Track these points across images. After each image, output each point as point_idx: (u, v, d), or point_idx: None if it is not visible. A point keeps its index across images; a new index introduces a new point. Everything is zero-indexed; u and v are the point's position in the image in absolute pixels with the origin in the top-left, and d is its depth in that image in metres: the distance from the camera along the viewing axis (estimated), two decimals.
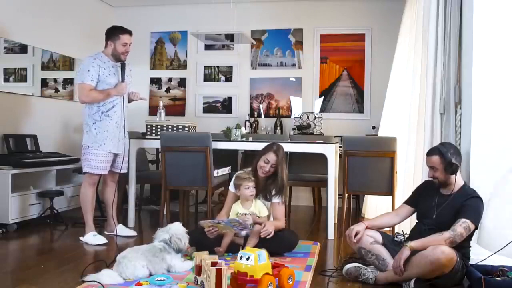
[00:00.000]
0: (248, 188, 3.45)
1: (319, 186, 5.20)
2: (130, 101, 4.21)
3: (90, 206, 3.96)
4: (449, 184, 2.92)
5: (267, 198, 3.57)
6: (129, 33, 3.95)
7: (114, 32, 3.92)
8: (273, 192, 3.56)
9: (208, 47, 6.50)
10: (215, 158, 4.31)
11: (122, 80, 3.91)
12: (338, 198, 4.57)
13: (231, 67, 6.51)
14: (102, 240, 3.86)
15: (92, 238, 3.86)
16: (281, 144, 3.70)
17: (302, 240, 3.86)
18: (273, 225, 3.37)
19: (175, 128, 4.67)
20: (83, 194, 3.97)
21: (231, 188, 3.71)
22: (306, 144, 4.47)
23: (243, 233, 3.40)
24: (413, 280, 2.70)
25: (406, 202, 3.20)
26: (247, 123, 6.16)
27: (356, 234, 2.97)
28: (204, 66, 6.58)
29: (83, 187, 3.97)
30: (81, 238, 3.92)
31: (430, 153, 2.94)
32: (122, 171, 4.09)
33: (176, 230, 3.14)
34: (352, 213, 4.93)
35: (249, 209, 3.48)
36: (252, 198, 3.49)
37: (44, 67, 5.44)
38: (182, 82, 6.63)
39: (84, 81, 3.82)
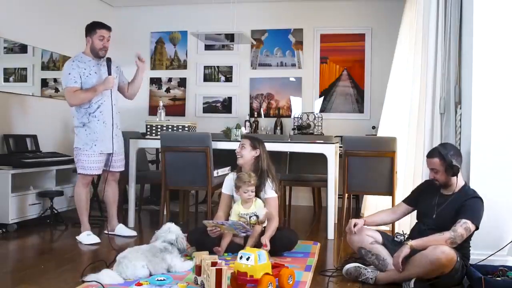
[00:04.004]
0: (246, 192, 3.44)
1: (319, 186, 5.20)
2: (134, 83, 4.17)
3: (84, 206, 3.98)
4: (450, 185, 2.92)
5: (261, 194, 3.58)
6: (107, 28, 3.94)
7: (91, 27, 3.92)
8: (262, 187, 3.57)
9: (208, 47, 6.50)
10: (215, 158, 4.31)
11: (109, 74, 3.90)
12: (338, 198, 4.57)
13: (231, 67, 6.51)
14: (94, 239, 3.86)
15: (86, 238, 3.87)
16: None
17: (302, 240, 3.86)
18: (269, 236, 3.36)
19: (175, 128, 4.67)
20: (77, 194, 3.99)
21: (225, 190, 3.72)
22: (306, 144, 4.47)
23: (243, 234, 3.40)
24: (413, 280, 2.70)
25: (405, 201, 3.21)
26: (247, 123, 6.16)
27: (355, 225, 2.99)
28: (204, 66, 6.58)
29: (77, 187, 3.99)
30: (77, 237, 3.93)
31: (430, 155, 2.92)
32: (116, 169, 4.07)
33: (178, 230, 3.17)
34: (352, 213, 4.92)
35: (250, 209, 3.47)
36: (250, 201, 3.48)
37: (44, 67, 5.44)
38: (182, 82, 6.63)
39: (68, 85, 3.83)
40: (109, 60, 3.93)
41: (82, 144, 3.90)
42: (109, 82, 3.88)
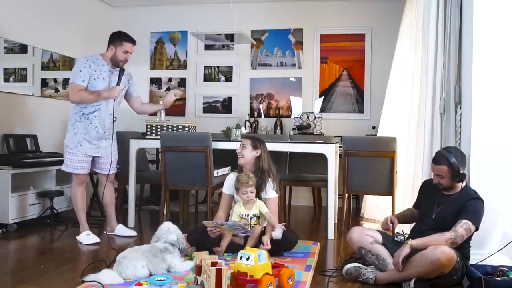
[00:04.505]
0: (245, 193, 3.42)
1: (319, 186, 5.20)
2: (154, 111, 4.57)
3: (81, 206, 3.97)
4: (453, 188, 2.91)
5: (262, 194, 3.57)
6: (133, 42, 3.94)
7: (118, 38, 3.89)
8: (263, 187, 3.55)
9: (208, 47, 6.50)
10: (215, 158, 4.31)
11: (118, 84, 3.89)
12: (338, 198, 4.57)
13: (231, 67, 6.51)
14: (94, 239, 3.86)
15: (85, 238, 3.87)
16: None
17: (302, 240, 3.86)
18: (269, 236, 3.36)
19: (175, 128, 4.67)
20: (72, 194, 4.00)
21: (226, 190, 3.71)
22: (306, 144, 4.46)
23: (243, 234, 3.40)
24: (413, 280, 2.70)
25: (414, 206, 3.22)
26: (247, 123, 6.16)
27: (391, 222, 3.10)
28: (204, 66, 6.58)
29: (72, 187, 4.00)
30: (76, 237, 3.93)
31: (437, 161, 2.88)
32: (106, 172, 4.01)
33: (177, 229, 3.18)
34: (352, 213, 4.92)
35: (251, 210, 3.46)
36: (251, 202, 3.46)
37: (44, 67, 5.44)
38: (182, 82, 6.63)
39: (75, 81, 3.80)
40: (122, 71, 3.92)
41: (69, 142, 3.90)
42: (115, 92, 3.86)
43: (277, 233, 3.29)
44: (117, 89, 3.88)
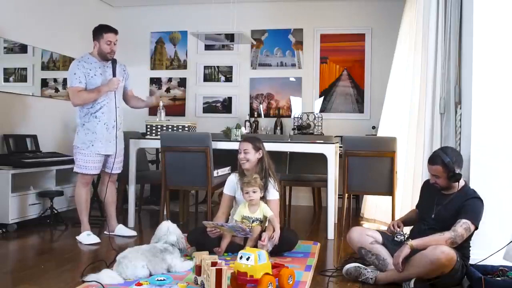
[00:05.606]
0: (247, 193, 3.41)
1: (319, 186, 5.19)
2: (143, 105, 4.43)
3: (84, 206, 3.98)
4: (451, 188, 2.92)
5: (265, 194, 3.55)
6: (114, 32, 3.94)
7: (99, 31, 3.93)
8: (265, 186, 3.53)
9: (208, 47, 6.50)
10: (215, 158, 4.31)
11: (114, 75, 3.91)
12: (338, 198, 4.57)
13: (231, 67, 6.51)
14: (94, 240, 3.86)
15: (86, 238, 3.87)
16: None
17: (302, 240, 3.86)
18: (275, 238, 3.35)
19: (175, 128, 4.67)
20: (77, 194, 4.00)
21: (226, 190, 3.70)
22: (306, 144, 4.47)
23: (242, 235, 3.40)
24: (413, 280, 2.70)
25: (416, 206, 3.22)
26: (247, 123, 6.16)
27: (398, 226, 3.07)
28: (204, 66, 6.58)
29: (77, 187, 4.00)
30: (77, 237, 3.93)
31: (432, 162, 2.88)
32: (114, 172, 4.05)
33: (176, 229, 3.18)
34: (352, 213, 4.92)
35: (255, 213, 3.44)
36: (252, 203, 3.43)
37: (44, 67, 5.44)
38: (182, 82, 6.63)
39: (72, 85, 3.83)
40: (114, 62, 3.94)
41: (80, 143, 3.90)
42: (113, 84, 3.88)
43: (269, 246, 3.28)
44: (115, 80, 3.89)
